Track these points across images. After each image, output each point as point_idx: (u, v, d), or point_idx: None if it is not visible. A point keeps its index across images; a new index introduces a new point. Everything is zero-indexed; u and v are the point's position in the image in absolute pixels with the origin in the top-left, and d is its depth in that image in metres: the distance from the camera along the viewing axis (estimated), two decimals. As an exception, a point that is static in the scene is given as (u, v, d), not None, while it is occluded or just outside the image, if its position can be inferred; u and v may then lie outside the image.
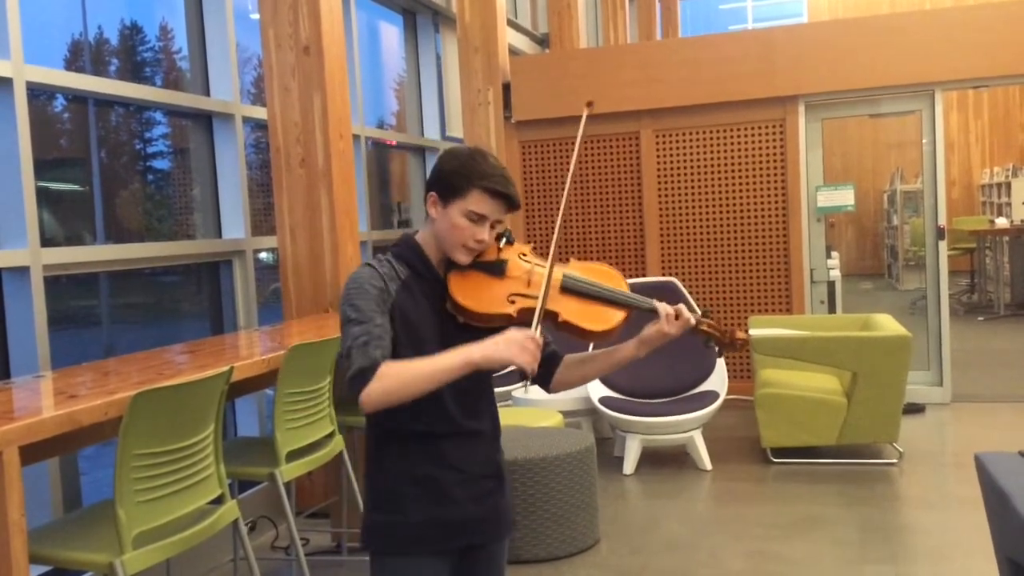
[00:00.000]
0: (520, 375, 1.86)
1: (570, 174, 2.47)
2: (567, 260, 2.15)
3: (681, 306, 2.03)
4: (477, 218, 1.98)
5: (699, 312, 2.10)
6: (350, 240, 4.69)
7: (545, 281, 1.98)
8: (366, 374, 1.83)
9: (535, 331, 1.87)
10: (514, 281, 2.02)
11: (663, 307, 2.02)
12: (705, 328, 2.09)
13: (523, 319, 1.95)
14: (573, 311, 2.01)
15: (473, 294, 1.99)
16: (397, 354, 1.94)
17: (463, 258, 2.02)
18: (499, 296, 1.99)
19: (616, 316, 2.03)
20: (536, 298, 1.97)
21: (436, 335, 1.99)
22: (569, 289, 2.04)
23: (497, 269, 2.03)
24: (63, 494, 3.67)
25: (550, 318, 2.01)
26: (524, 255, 2.08)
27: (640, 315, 2.08)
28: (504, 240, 2.07)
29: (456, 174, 1.99)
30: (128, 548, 2.49)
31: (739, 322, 6.85)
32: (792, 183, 6.81)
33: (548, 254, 2.07)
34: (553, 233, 2.12)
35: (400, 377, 1.84)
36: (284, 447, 3.39)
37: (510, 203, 2.01)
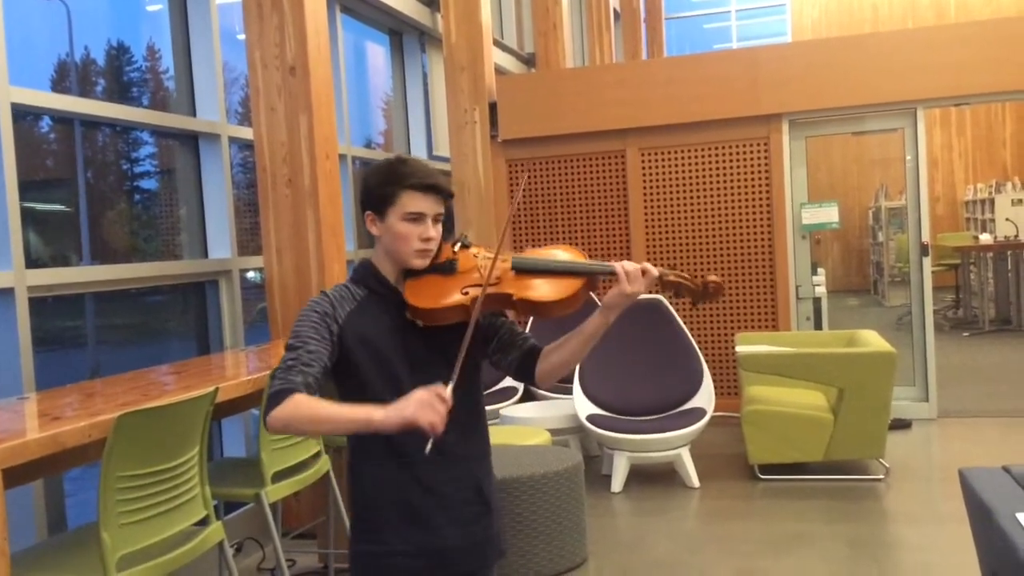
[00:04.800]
0: (424, 435, 1.78)
1: (506, 224, 2.41)
2: (523, 250, 2.15)
3: (644, 264, 1.97)
4: (417, 217, 2.01)
5: (667, 271, 2.03)
6: (336, 259, 4.69)
7: (490, 265, 1.99)
8: (279, 397, 1.84)
9: (448, 387, 1.81)
10: (466, 275, 2.04)
11: (620, 266, 1.97)
12: (672, 278, 2.02)
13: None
14: (526, 288, 2.01)
15: (427, 294, 2.01)
16: (361, 371, 1.97)
17: (420, 262, 2.04)
18: (452, 290, 2.01)
19: (572, 284, 2.01)
20: (489, 284, 1.98)
21: (399, 347, 2.01)
22: (521, 270, 2.04)
23: (447, 268, 2.06)
24: (47, 517, 3.64)
25: (505, 301, 2.01)
26: (477, 255, 2.09)
27: (601, 281, 2.05)
28: (460, 245, 2.10)
29: (382, 185, 2.03)
30: (112, 571, 2.48)
31: (727, 339, 6.87)
32: (777, 200, 6.85)
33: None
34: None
35: (308, 412, 1.83)
36: (270, 468, 3.37)
37: (441, 193, 2.04)
